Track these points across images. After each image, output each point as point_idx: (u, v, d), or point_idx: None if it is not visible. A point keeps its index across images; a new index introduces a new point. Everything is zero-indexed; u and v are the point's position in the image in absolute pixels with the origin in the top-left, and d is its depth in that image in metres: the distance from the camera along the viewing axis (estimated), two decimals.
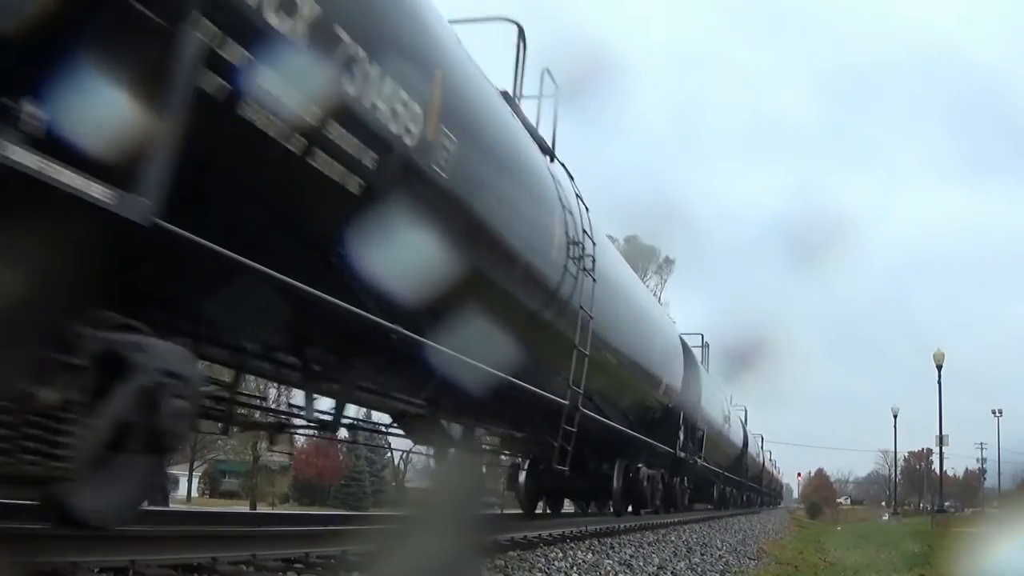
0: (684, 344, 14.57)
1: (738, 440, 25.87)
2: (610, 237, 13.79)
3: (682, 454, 14.43)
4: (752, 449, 31.16)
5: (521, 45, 7.32)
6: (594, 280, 7.60)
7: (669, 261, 45.70)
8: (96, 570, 3.17)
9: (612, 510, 12.55)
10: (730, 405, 23.52)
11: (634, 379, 10.72)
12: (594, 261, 7.65)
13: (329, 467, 38.91)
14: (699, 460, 16.30)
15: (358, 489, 39.24)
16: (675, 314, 29.73)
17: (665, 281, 45.31)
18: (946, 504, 35.73)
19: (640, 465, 12.74)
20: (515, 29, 7.30)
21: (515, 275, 6.07)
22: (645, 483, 13.05)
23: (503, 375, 6.00)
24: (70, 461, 2.81)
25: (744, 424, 28.50)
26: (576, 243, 7.23)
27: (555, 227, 6.77)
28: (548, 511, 13.86)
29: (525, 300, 6.43)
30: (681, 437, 14.36)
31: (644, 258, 41.25)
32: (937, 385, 29.94)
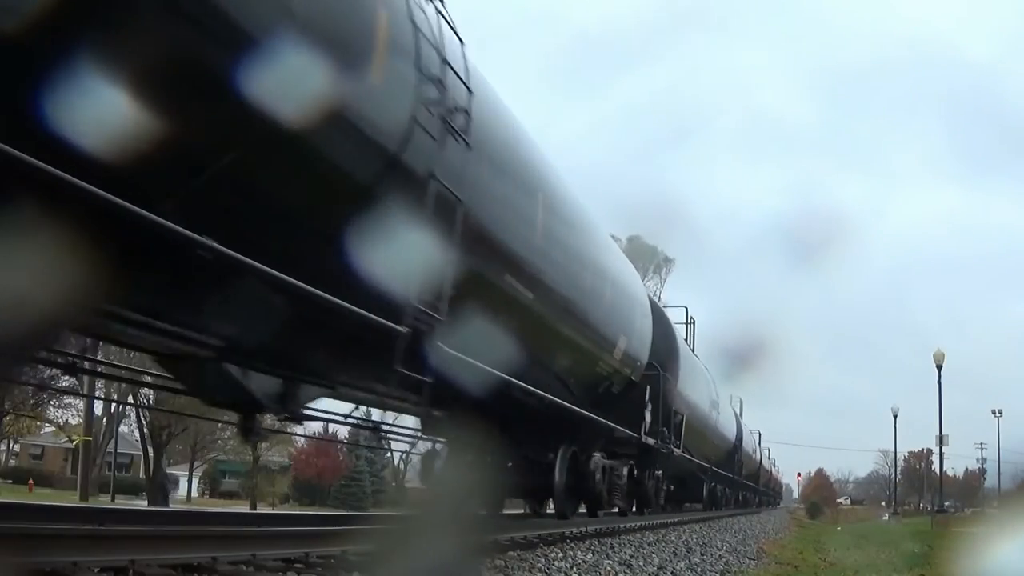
0: (656, 307, 12.56)
1: (731, 433, 23.21)
2: (613, 237, 13.64)
3: (650, 440, 11.76)
4: (748, 444, 28.68)
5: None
6: (468, 146, 5.23)
7: (668, 260, 45.73)
8: (96, 570, 3.17)
9: (554, 510, 9.83)
10: (717, 390, 19.86)
11: (563, 328, 7.76)
12: (468, 117, 5.22)
13: (329, 467, 38.90)
14: (676, 450, 13.32)
15: (358, 489, 39.23)
16: (675, 313, 29.68)
17: (665, 280, 45.35)
18: (946, 504, 35.72)
19: (595, 454, 10.30)
20: None
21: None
22: (598, 475, 10.33)
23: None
24: None
25: (739, 417, 26.23)
26: (436, 81, 4.89)
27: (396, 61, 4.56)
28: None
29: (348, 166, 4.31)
30: (648, 419, 11.65)
31: (645, 258, 41.23)
32: (937, 385, 29.96)
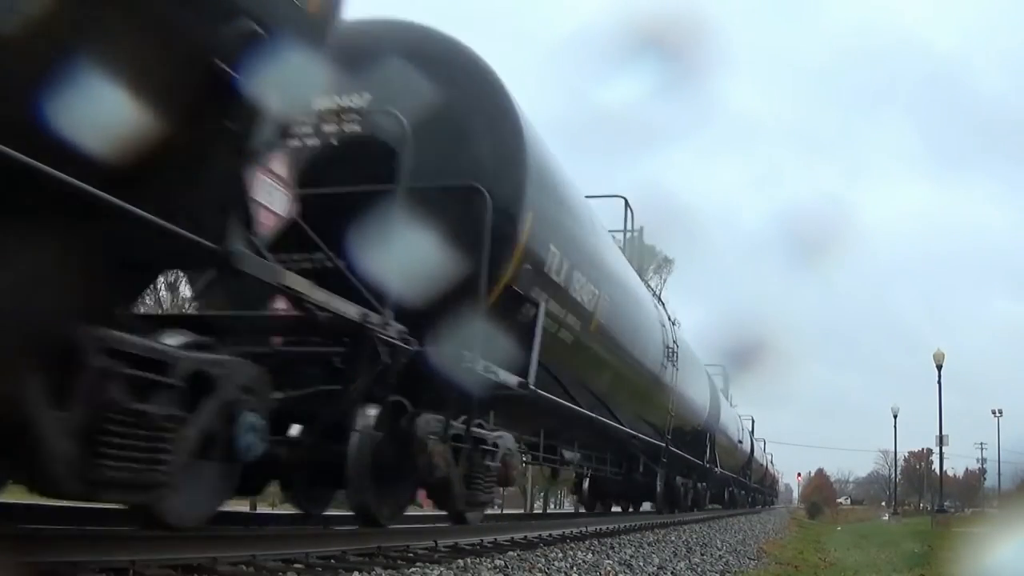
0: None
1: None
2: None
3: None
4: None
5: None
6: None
7: (668, 260, 45.69)
8: (96, 570, 3.17)
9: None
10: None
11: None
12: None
13: None
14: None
15: None
16: (675, 314, 30.04)
17: (665, 280, 45.33)
18: (946, 504, 35.72)
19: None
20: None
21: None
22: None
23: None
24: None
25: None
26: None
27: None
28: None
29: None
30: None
31: (645, 258, 41.21)
32: (937, 385, 29.95)
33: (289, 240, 4.24)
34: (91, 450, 2.94)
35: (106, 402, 2.97)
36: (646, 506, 18.03)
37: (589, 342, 8.52)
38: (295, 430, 5.29)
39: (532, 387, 6.39)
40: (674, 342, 13.19)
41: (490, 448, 6.57)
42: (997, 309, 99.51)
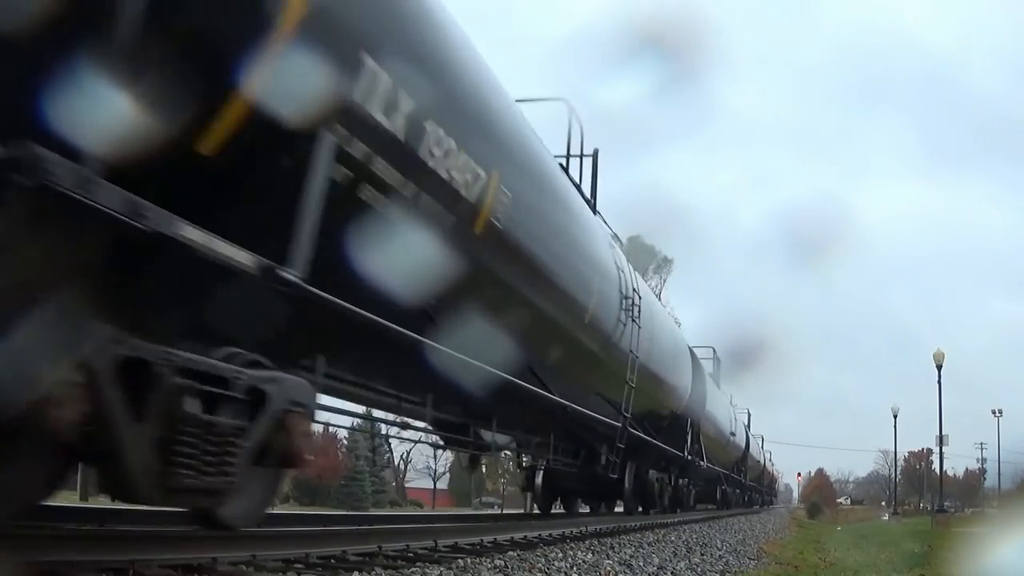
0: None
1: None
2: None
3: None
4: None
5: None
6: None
7: (667, 260, 45.70)
8: (96, 570, 3.17)
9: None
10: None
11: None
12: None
13: (329, 467, 38.92)
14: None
15: (358, 489, 39.26)
16: (676, 313, 29.94)
17: (664, 280, 45.32)
18: (946, 504, 35.70)
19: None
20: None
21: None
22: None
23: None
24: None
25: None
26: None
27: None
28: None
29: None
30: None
31: (644, 257, 41.20)
32: (937, 385, 29.93)
33: None
34: (167, 459, 3.16)
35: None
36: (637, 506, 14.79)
37: (474, 247, 5.21)
38: None
39: (295, 278, 3.48)
40: (635, 291, 9.42)
41: (229, 394, 3.48)
42: (996, 309, 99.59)
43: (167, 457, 3.16)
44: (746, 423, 30.06)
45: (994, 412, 50.33)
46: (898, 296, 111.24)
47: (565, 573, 5.19)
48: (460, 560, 4.88)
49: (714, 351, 21.87)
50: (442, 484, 50.85)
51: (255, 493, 4.11)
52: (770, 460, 48.72)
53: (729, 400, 24.24)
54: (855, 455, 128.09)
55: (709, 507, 23.62)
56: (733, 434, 24.40)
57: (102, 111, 2.68)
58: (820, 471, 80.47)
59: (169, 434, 3.16)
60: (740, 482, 30.23)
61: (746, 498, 33.44)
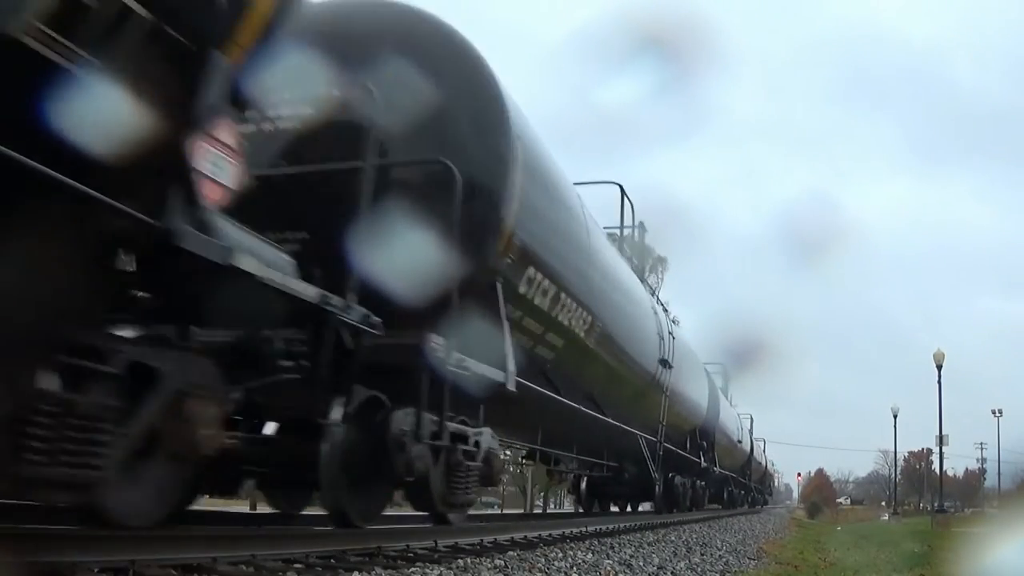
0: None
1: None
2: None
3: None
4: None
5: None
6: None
7: (662, 259, 45.70)
8: (96, 570, 3.17)
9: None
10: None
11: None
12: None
13: None
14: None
15: None
16: (676, 315, 30.04)
17: (662, 279, 45.32)
18: (946, 504, 35.70)
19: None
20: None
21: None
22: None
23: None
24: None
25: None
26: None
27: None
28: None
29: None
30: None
31: (641, 257, 41.18)
32: (937, 385, 29.92)
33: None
34: (16, 444, 2.71)
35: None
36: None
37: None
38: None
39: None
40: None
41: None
42: (986, 307, 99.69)
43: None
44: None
45: (994, 412, 50.40)
46: (892, 295, 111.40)
47: (565, 573, 5.18)
48: (460, 560, 4.88)
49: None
50: None
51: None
52: (769, 460, 48.90)
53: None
54: (855, 455, 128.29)
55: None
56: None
57: None
58: (820, 471, 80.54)
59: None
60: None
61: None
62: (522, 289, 6.57)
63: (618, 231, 12.71)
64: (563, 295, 7.44)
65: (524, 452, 11.72)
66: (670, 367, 12.76)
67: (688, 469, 17.83)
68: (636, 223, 13.63)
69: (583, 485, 16.46)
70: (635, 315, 11.01)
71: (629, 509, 18.21)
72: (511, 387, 5.95)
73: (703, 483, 20.74)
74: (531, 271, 6.62)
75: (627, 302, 10.52)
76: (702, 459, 18.49)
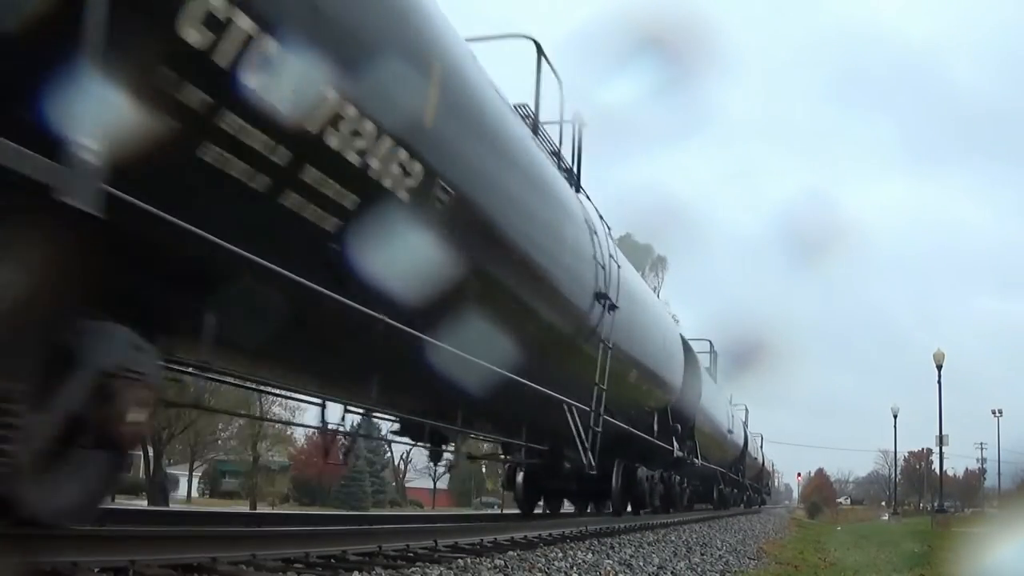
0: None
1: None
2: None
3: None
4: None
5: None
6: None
7: (661, 259, 45.76)
8: (96, 570, 3.17)
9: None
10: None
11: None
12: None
13: (329, 467, 38.90)
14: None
15: (358, 489, 39.25)
16: (674, 312, 29.85)
17: (662, 280, 45.34)
18: (946, 504, 35.68)
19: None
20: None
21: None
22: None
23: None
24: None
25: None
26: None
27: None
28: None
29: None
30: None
31: (639, 257, 41.22)
32: (937, 385, 29.90)
33: None
34: None
35: None
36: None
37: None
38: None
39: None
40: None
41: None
42: (989, 308, 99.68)
43: None
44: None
45: (994, 412, 50.33)
46: (891, 294, 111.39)
47: (565, 573, 5.18)
48: (460, 560, 4.88)
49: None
50: (442, 484, 50.86)
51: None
52: (766, 457, 48.53)
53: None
54: (855, 455, 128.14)
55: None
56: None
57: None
58: (820, 471, 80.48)
59: None
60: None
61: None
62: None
63: (533, 105, 7.36)
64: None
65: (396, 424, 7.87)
66: (613, 308, 8.40)
67: (656, 459, 13.50)
68: (567, 113, 8.08)
69: (519, 477, 12.33)
70: (548, 216, 6.81)
71: (589, 509, 14.74)
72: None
73: (680, 478, 16.69)
74: None
75: (531, 193, 6.38)
76: (675, 447, 13.91)
